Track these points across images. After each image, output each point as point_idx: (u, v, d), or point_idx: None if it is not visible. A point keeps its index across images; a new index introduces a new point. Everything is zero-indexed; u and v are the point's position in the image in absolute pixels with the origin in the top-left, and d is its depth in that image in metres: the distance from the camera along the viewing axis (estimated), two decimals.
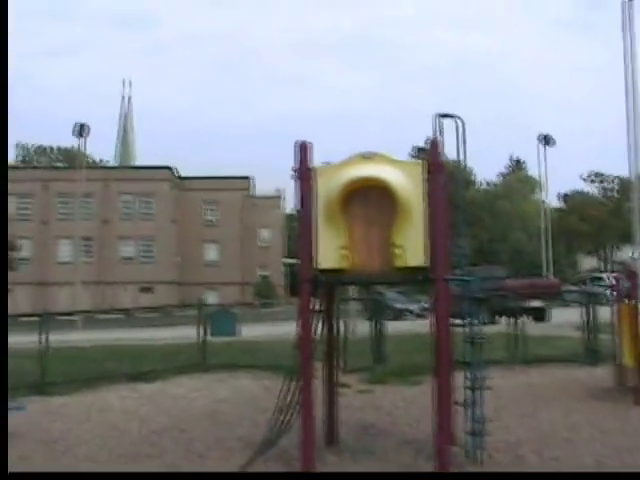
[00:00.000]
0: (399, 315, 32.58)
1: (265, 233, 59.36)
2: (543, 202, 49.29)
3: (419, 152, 56.81)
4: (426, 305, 31.52)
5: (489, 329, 8.78)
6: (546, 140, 45.73)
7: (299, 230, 6.03)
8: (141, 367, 13.59)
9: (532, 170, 61.93)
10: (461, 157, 6.56)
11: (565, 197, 73.81)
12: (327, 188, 5.92)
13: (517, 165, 73.01)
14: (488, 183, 71.90)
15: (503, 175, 72.64)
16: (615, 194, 70.82)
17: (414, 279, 5.97)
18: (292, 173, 6.00)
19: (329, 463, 6.45)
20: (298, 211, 6.03)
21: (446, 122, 6.54)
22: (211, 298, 47.42)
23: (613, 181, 72.56)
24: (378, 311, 14.26)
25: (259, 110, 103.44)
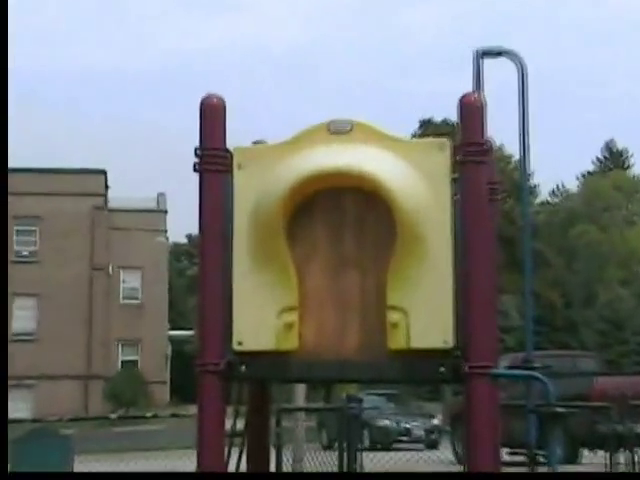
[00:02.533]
0: (388, 440, 24.95)
1: (133, 279, 50.04)
2: None
3: (425, 128, 51.09)
4: (438, 423, 25.86)
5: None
6: None
7: (199, 276, 4.72)
8: None
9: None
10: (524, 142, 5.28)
11: None
12: (258, 192, 4.56)
13: (613, 159, 55.30)
14: (559, 192, 55.66)
15: (586, 176, 55.52)
16: None
17: (426, 374, 4.62)
18: (194, 163, 4.59)
19: None
20: (198, 237, 4.72)
21: (492, 70, 4.87)
22: (21, 407, 36.69)
23: None
24: (347, 433, 11.62)
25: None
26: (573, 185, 61.59)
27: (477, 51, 4.89)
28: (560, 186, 66.28)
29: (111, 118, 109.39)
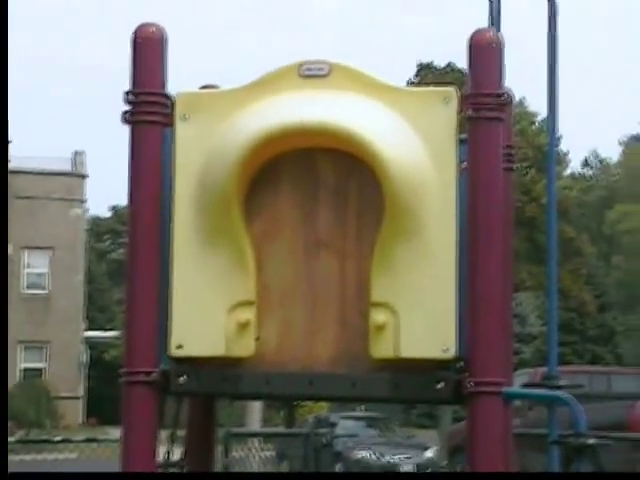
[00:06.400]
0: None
1: (39, 263, 50.98)
2: None
3: (424, 74, 52.13)
4: (433, 456, 25.64)
5: None
6: None
7: (127, 260, 4.77)
8: None
9: None
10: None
11: None
12: (207, 151, 4.63)
13: None
14: (594, 163, 62.32)
15: (629, 143, 60.46)
16: None
17: (419, 392, 4.63)
18: (123, 112, 4.64)
19: None
20: (126, 209, 4.84)
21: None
22: None
23: None
24: (316, 467, 11.50)
25: None
26: (612, 154, 62.41)
27: None
28: (595, 155, 66.65)
29: (11, 53, 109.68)
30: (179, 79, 4.88)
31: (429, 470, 26.02)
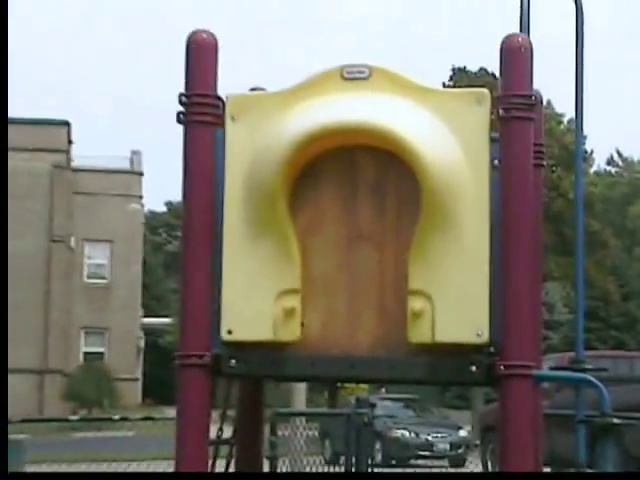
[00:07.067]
0: (405, 455, 25.06)
1: (100, 255, 50.75)
2: None
3: (458, 78, 51.59)
4: (466, 435, 25.87)
5: None
6: None
7: (181, 252, 4.75)
8: None
9: None
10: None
11: None
12: (255, 149, 4.58)
13: None
14: (618, 161, 62.36)
15: None
16: None
17: (454, 374, 4.59)
18: (177, 113, 4.62)
19: None
20: (180, 204, 4.86)
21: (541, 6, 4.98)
22: None
23: None
24: (356, 445, 11.19)
25: None
26: (635, 153, 62.20)
27: None
28: (619, 153, 65.97)
29: (76, 60, 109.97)
30: (229, 82, 4.88)
31: (462, 447, 25.99)
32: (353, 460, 10.88)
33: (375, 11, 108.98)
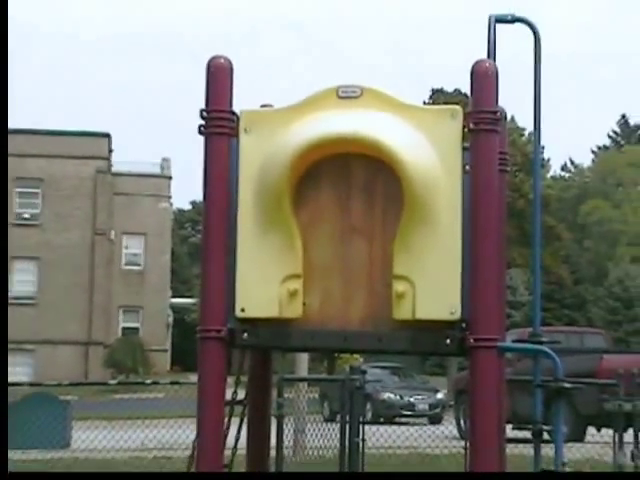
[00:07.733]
0: (391, 414, 24.97)
1: (135, 245, 50.04)
2: None
3: (436, 97, 50.19)
4: (442, 397, 25.90)
5: (574, 453, 7.39)
6: None
7: (202, 242, 4.68)
8: None
9: None
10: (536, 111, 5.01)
11: None
12: (264, 156, 4.51)
13: (626, 134, 55.31)
14: (571, 167, 56.02)
15: (599, 152, 55.51)
16: None
17: (432, 346, 4.56)
18: (199, 126, 4.51)
19: None
20: (202, 203, 4.74)
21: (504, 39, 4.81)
22: (20, 371, 37.99)
23: None
24: (350, 405, 11.26)
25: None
26: (585, 160, 61.90)
27: (491, 17, 4.77)
28: (571, 161, 65.84)
29: (116, 81, 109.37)
30: (243, 99, 4.79)
31: (439, 408, 25.83)
32: (347, 418, 10.71)
33: (368, 44, 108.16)
